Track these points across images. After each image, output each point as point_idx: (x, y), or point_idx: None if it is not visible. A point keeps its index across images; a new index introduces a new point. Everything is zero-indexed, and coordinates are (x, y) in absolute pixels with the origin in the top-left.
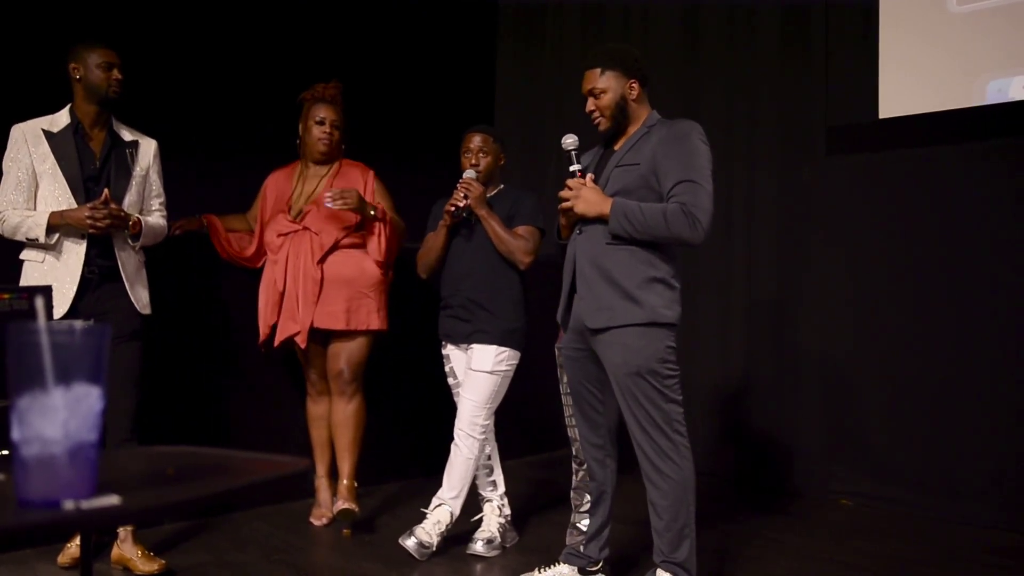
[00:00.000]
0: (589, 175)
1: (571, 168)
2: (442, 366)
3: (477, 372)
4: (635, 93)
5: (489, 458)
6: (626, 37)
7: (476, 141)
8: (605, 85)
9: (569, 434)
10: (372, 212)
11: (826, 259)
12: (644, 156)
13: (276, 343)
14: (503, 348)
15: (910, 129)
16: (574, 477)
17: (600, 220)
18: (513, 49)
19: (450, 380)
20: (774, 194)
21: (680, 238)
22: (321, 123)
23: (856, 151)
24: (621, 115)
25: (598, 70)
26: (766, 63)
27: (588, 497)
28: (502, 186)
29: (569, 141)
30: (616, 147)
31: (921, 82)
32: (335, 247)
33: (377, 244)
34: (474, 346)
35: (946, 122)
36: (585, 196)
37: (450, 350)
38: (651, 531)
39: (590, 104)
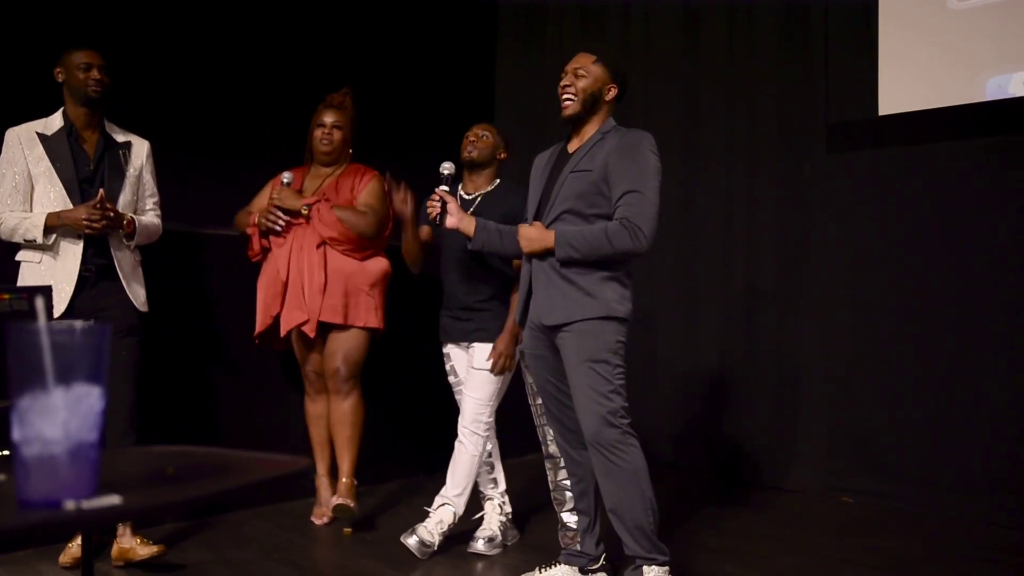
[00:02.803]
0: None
1: (441, 187)
2: (442, 364)
3: (480, 370)
4: (610, 95)
5: (490, 456)
6: (626, 37)
7: (480, 127)
8: (590, 71)
9: (539, 435)
10: (305, 211)
11: (826, 255)
12: (597, 163)
13: (282, 333)
14: None
15: (910, 126)
16: (549, 477)
17: (548, 252)
18: (513, 49)
19: (451, 379)
20: (774, 191)
21: (625, 251)
22: (322, 125)
23: (856, 148)
24: (591, 102)
25: (593, 57)
26: (766, 61)
27: (569, 494)
28: (498, 181)
29: (445, 166)
30: (571, 149)
31: (921, 79)
32: (335, 243)
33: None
34: (476, 344)
35: (946, 119)
36: (527, 235)
37: (450, 349)
38: (614, 527)
39: (567, 79)
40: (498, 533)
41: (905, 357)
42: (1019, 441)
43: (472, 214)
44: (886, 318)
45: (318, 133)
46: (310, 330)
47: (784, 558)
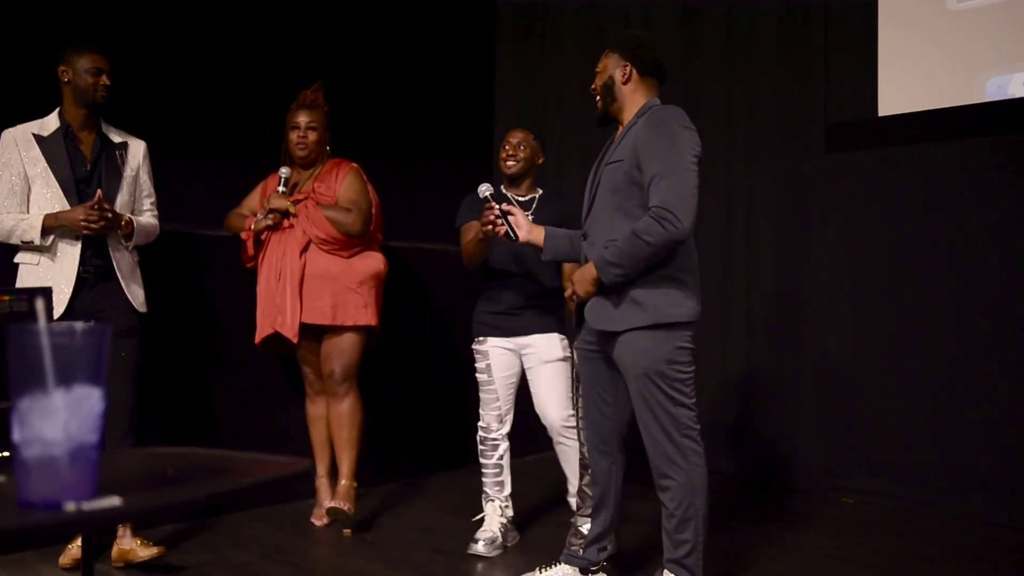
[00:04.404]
0: (510, 209)
1: (493, 206)
2: (442, 364)
3: (551, 363)
4: (626, 76)
5: (501, 458)
6: None
7: (517, 136)
8: (603, 65)
9: (579, 437)
10: (293, 209)
11: (826, 256)
12: (627, 151)
13: (256, 341)
14: (562, 335)
15: (910, 126)
16: (579, 480)
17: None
18: (513, 49)
19: (481, 376)
20: (774, 191)
21: (663, 243)
22: (296, 128)
23: (856, 148)
24: (608, 95)
25: (606, 51)
26: (766, 61)
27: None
28: (540, 191)
29: (483, 188)
30: (615, 140)
31: (920, 79)
32: (321, 243)
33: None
34: (535, 337)
35: (945, 119)
36: (577, 280)
37: (490, 346)
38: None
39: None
40: (498, 534)
41: (905, 357)
42: (1019, 440)
43: (532, 213)
44: (886, 318)
45: (293, 136)
46: (292, 335)
47: (784, 558)
